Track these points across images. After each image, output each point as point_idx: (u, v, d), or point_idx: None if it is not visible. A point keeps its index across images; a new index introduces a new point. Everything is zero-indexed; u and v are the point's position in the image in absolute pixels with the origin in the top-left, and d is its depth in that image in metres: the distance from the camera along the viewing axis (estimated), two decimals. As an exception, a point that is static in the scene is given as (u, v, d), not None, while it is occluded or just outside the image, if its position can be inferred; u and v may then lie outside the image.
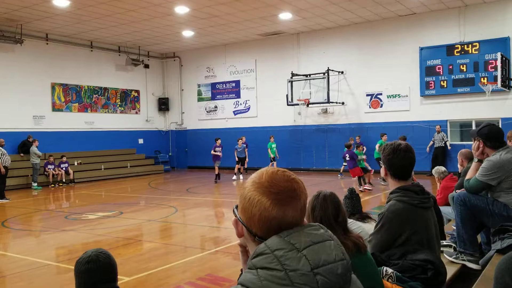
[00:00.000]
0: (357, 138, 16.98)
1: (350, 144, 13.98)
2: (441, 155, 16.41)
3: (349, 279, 1.18)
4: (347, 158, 13.55)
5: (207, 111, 22.95)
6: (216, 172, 17.09)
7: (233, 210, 1.28)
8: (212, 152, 17.25)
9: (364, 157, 14.40)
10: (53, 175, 17.19)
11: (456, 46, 16.47)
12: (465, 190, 3.88)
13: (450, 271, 3.31)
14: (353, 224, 3.39)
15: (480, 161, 3.88)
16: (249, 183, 1.25)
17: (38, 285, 5.64)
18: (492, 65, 15.55)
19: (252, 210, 1.20)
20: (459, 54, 16.41)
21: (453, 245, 4.00)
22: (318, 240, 1.17)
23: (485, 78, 15.74)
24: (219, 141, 17.49)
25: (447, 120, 17.06)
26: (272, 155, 17.56)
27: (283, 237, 1.16)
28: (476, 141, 3.94)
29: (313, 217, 2.46)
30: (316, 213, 2.44)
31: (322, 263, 1.12)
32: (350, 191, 3.76)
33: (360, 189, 12.96)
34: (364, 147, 15.96)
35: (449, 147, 16.54)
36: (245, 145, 18.07)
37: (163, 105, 23.83)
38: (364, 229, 3.30)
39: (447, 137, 16.72)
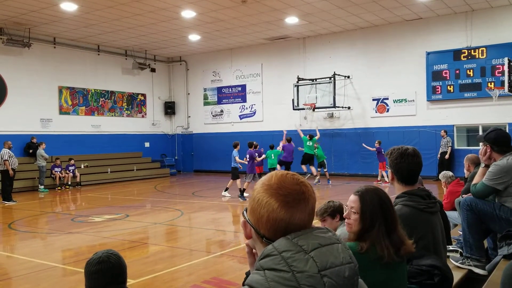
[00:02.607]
0: (377, 142, 16.31)
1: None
2: (447, 160, 16.30)
3: (356, 283, 1.18)
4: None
5: (213, 115, 23.00)
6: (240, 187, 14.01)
7: (243, 212, 1.30)
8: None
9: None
10: (59, 178, 17.28)
11: (463, 51, 16.42)
12: (472, 195, 3.86)
13: (456, 276, 3.30)
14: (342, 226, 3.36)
15: (487, 166, 3.87)
16: (258, 185, 1.27)
17: (44, 287, 5.66)
18: (499, 70, 15.48)
19: (260, 211, 1.22)
20: (466, 59, 16.36)
21: (460, 250, 3.99)
22: (326, 243, 1.17)
23: (492, 83, 15.66)
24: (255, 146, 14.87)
25: (453, 125, 16.98)
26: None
27: (290, 239, 1.17)
28: (483, 146, 3.93)
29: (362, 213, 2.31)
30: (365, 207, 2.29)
31: (330, 266, 1.13)
32: None
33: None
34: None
35: (447, 156, 16.27)
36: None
37: (169, 109, 23.91)
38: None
39: (451, 143, 16.57)
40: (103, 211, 11.72)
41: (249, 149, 13.99)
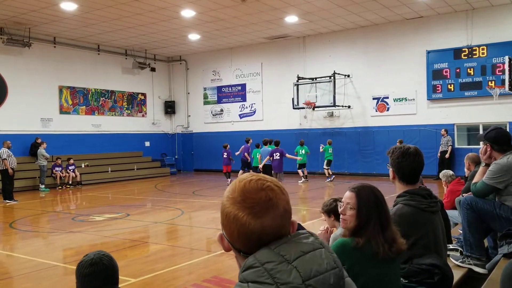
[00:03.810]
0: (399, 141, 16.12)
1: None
2: (447, 159, 16.29)
3: (343, 286, 1.17)
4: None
5: (213, 115, 23.01)
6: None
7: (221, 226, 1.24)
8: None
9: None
10: (60, 177, 17.29)
11: (463, 49, 16.41)
12: (472, 194, 3.87)
13: (457, 275, 3.30)
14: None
15: (488, 165, 3.87)
16: (224, 199, 1.21)
17: (45, 286, 5.67)
18: (500, 69, 15.48)
19: (230, 226, 1.17)
20: (466, 57, 16.35)
21: (460, 249, 3.99)
22: (309, 250, 1.14)
23: (493, 82, 15.66)
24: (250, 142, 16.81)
25: (454, 124, 16.98)
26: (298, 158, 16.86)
27: (272, 249, 1.13)
28: (483, 145, 3.93)
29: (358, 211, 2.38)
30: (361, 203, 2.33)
31: (314, 274, 1.10)
32: None
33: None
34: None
35: (447, 155, 16.25)
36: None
37: (169, 108, 23.91)
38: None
39: (451, 142, 16.54)
40: (104, 210, 11.73)
41: (275, 147, 14.73)
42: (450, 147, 16.35)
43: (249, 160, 16.43)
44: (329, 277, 1.11)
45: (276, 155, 14.97)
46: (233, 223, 1.16)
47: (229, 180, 16.41)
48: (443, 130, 16.59)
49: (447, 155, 16.25)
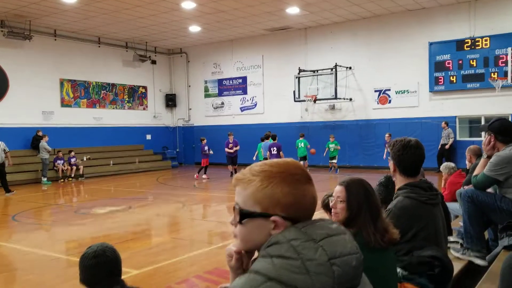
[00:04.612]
0: (387, 135, 16.35)
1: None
2: (447, 151, 16.22)
3: (361, 274, 1.20)
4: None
5: (214, 108, 22.99)
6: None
7: (239, 210, 1.23)
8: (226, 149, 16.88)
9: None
10: (62, 170, 17.34)
11: (466, 41, 16.33)
12: (473, 186, 3.87)
13: (457, 267, 3.32)
14: None
15: (489, 157, 3.87)
16: (265, 170, 1.22)
17: (48, 277, 5.71)
18: (503, 60, 15.41)
19: (274, 193, 1.19)
20: (469, 49, 16.28)
21: (460, 241, 4.00)
22: (334, 233, 1.17)
23: (495, 74, 15.60)
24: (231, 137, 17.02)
25: (456, 116, 16.94)
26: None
27: (299, 228, 1.17)
28: (487, 136, 3.92)
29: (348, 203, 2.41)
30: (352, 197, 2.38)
31: (339, 255, 1.13)
32: (387, 179, 3.63)
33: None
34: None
35: (447, 146, 16.21)
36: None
37: (170, 101, 23.90)
38: None
39: (453, 134, 16.47)
40: (106, 203, 11.77)
41: (272, 141, 14.80)
42: (451, 139, 16.30)
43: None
44: (352, 260, 1.15)
45: (273, 150, 14.88)
46: (278, 188, 1.19)
47: (204, 175, 16.79)
48: (443, 123, 16.54)
49: (447, 146, 16.20)
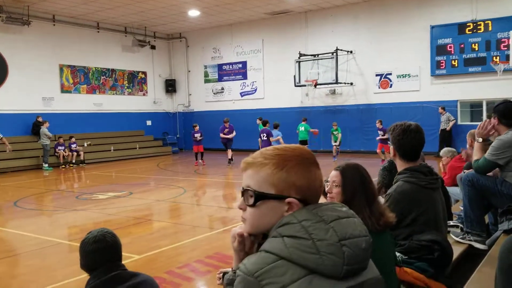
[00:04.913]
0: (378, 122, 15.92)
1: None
2: (448, 137, 16.19)
3: (370, 256, 1.21)
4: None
5: (214, 93, 22.92)
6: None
7: (254, 192, 1.23)
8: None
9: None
10: (63, 156, 17.36)
11: (468, 24, 16.20)
12: (474, 170, 3.86)
13: (457, 251, 3.33)
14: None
15: (484, 141, 3.86)
16: (278, 155, 1.24)
17: (50, 262, 5.76)
18: (505, 44, 15.29)
19: (289, 175, 1.21)
20: (471, 32, 16.15)
21: (460, 225, 4.02)
22: (344, 216, 1.20)
23: (497, 57, 15.50)
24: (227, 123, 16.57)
25: (457, 100, 16.88)
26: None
27: (310, 210, 1.19)
28: (492, 118, 3.88)
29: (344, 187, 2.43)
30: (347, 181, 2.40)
31: (349, 236, 1.15)
32: (390, 163, 3.61)
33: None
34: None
35: (448, 128, 16.13)
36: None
37: (170, 86, 23.82)
38: None
39: (453, 117, 16.37)
40: (107, 189, 11.81)
41: (264, 127, 14.62)
42: (452, 122, 16.23)
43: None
44: (362, 242, 1.17)
45: (263, 136, 14.74)
46: (291, 171, 1.21)
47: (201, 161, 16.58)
48: (440, 108, 16.44)
49: (448, 128, 16.17)
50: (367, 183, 2.38)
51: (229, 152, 16.41)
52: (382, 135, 15.06)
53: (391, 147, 3.00)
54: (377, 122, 15.79)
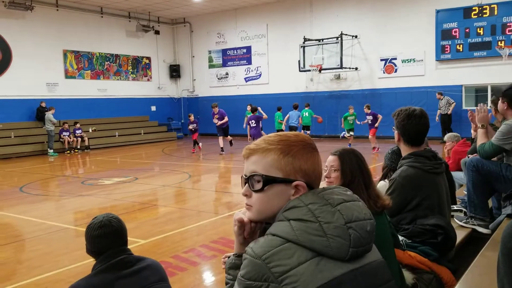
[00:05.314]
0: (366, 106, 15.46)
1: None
2: (448, 121, 16.00)
3: (374, 239, 1.24)
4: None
5: (218, 78, 22.85)
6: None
7: (262, 176, 1.24)
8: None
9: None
10: (68, 142, 17.44)
11: (473, 8, 16.00)
12: (479, 155, 3.85)
13: (460, 235, 3.35)
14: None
15: (483, 126, 3.85)
16: (282, 141, 1.26)
17: (56, 247, 5.83)
18: (510, 28, 15.16)
19: (296, 160, 1.24)
20: (476, 16, 15.97)
21: (464, 210, 4.03)
22: (349, 200, 1.22)
23: (503, 42, 15.36)
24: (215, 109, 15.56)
25: (462, 85, 16.77)
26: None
27: (316, 193, 1.21)
28: (500, 102, 3.83)
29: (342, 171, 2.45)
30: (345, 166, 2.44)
31: (355, 219, 1.17)
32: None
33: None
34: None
35: (449, 112, 15.91)
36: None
37: (175, 72, 23.76)
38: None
39: (452, 100, 16.04)
40: (113, 174, 11.88)
41: (252, 114, 14.30)
42: (452, 104, 15.91)
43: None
44: (367, 224, 1.20)
45: (252, 123, 14.46)
46: (296, 156, 1.24)
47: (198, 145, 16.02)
48: (437, 93, 16.27)
49: (449, 112, 15.94)
50: (363, 166, 2.42)
51: (220, 140, 15.46)
52: (371, 120, 14.75)
53: (396, 132, 3.00)
54: (364, 107, 15.19)
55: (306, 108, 16.99)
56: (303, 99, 19.03)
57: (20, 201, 9.04)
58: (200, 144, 16.34)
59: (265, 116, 14.88)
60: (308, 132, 16.79)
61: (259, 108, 15.43)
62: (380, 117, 14.66)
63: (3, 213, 7.88)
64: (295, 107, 16.11)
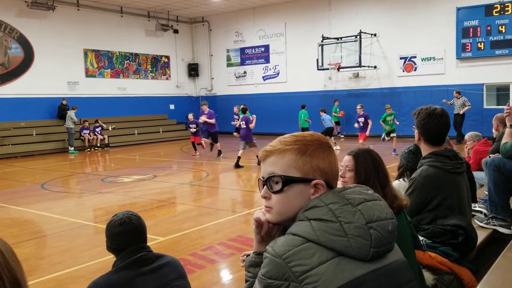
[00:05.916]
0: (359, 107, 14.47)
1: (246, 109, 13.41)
2: (460, 122, 15.45)
3: (395, 239, 1.23)
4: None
5: (236, 77, 22.89)
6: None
7: (281, 177, 1.24)
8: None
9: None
10: (88, 139, 17.69)
11: (495, 6, 15.71)
12: (501, 154, 3.79)
13: (481, 236, 3.30)
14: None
15: (511, 126, 3.77)
16: (298, 141, 1.26)
17: (77, 244, 5.92)
18: (534, 25, 14.81)
19: (313, 159, 1.24)
20: (498, 14, 15.67)
21: (484, 210, 3.97)
22: (370, 199, 1.22)
23: (526, 39, 15.04)
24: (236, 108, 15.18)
25: (483, 84, 16.48)
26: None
27: (337, 193, 1.21)
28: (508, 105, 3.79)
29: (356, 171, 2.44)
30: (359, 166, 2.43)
31: (376, 219, 1.17)
32: (416, 146, 3.57)
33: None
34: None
35: (461, 112, 15.35)
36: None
37: (193, 70, 23.90)
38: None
39: (469, 102, 15.54)
40: (132, 172, 12.01)
41: (244, 115, 13.43)
42: (467, 107, 15.45)
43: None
44: (388, 224, 1.19)
45: (242, 124, 13.17)
46: (314, 155, 1.25)
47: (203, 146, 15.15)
48: (455, 92, 15.90)
49: (461, 112, 15.41)
50: (379, 167, 2.40)
51: (204, 141, 14.67)
52: (362, 123, 13.57)
53: (416, 131, 2.97)
54: (358, 106, 14.15)
55: (322, 114, 16.29)
56: (321, 98, 18.97)
57: (42, 198, 9.20)
58: (203, 142, 15.12)
59: (252, 125, 12.99)
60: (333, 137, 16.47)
61: (247, 113, 13.55)
62: (370, 122, 13.69)
63: (25, 209, 8.03)
64: (323, 111, 15.34)
